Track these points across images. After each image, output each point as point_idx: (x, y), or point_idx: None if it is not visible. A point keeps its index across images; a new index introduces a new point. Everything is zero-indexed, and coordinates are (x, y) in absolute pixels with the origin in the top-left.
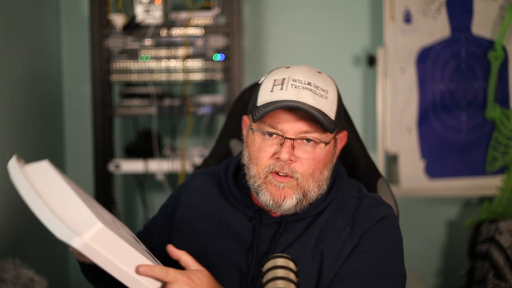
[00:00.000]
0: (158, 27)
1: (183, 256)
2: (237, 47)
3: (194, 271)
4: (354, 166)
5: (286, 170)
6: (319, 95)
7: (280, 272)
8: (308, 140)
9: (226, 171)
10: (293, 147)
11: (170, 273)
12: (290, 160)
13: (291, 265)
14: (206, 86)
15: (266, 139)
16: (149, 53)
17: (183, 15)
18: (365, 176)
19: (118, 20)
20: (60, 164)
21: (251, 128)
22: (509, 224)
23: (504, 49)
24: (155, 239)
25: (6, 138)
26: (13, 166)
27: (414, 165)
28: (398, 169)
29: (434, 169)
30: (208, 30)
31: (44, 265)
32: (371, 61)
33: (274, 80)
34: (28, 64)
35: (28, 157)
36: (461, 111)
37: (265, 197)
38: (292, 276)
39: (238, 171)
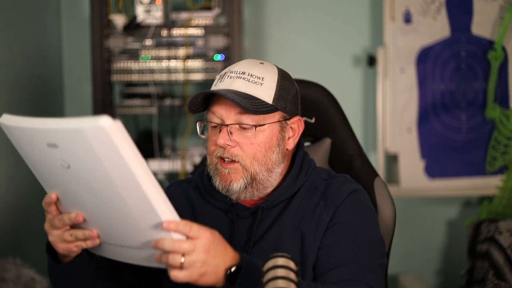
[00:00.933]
0: (159, 27)
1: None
2: (238, 47)
3: (212, 229)
4: (350, 166)
5: (227, 154)
6: (252, 82)
7: (281, 272)
8: (245, 127)
9: (201, 173)
10: (229, 132)
11: (194, 228)
12: (229, 145)
13: (292, 264)
14: (207, 86)
15: (212, 129)
16: (150, 53)
17: (183, 15)
18: (361, 176)
19: (119, 20)
20: None
21: (202, 119)
22: (509, 224)
23: (504, 49)
24: None
25: (6, 137)
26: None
27: (414, 165)
28: (398, 169)
29: (434, 169)
30: (209, 30)
31: (45, 265)
32: (371, 61)
33: (219, 76)
34: (29, 64)
35: None
36: (461, 111)
37: (216, 182)
38: (292, 275)
39: None
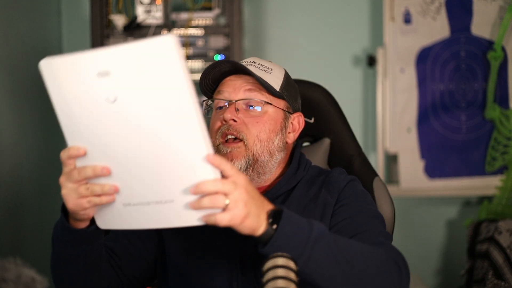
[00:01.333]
0: (159, 27)
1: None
2: (238, 48)
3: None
4: (349, 166)
5: (231, 130)
6: (262, 69)
7: (281, 272)
8: (252, 106)
9: None
10: (236, 109)
11: (234, 167)
12: (234, 120)
13: (291, 264)
14: None
15: (218, 111)
16: None
17: (183, 15)
18: (361, 176)
19: (119, 20)
20: (60, 164)
21: (208, 101)
22: (509, 224)
23: (503, 49)
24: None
25: (7, 138)
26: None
27: (413, 165)
28: (398, 169)
29: (433, 169)
30: (209, 30)
31: (46, 265)
32: (371, 61)
33: None
34: (29, 64)
35: (29, 157)
36: (461, 111)
37: None
38: (292, 275)
39: None
